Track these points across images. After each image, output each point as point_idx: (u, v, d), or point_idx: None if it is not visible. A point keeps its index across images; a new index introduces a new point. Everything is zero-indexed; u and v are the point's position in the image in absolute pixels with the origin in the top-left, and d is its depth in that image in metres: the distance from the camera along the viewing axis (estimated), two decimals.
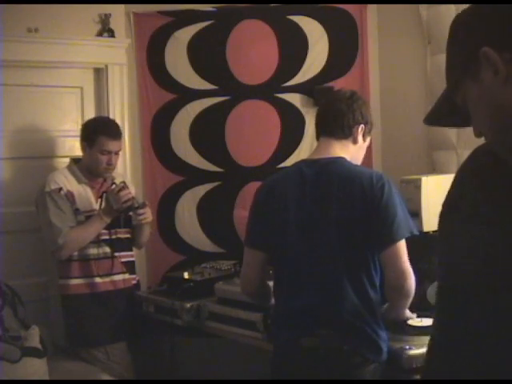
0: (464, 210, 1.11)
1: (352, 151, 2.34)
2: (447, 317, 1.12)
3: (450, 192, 1.19)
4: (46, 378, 2.84)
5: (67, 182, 3.13)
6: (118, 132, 3.22)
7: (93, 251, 3.13)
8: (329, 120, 2.34)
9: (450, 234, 1.14)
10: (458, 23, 1.11)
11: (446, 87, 1.15)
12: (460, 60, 1.10)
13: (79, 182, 3.17)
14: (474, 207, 1.09)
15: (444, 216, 1.17)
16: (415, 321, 2.37)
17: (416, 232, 2.20)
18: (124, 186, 3.10)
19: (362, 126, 2.33)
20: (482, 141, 1.12)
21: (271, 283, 2.40)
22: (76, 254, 3.10)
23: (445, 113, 1.15)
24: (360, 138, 2.34)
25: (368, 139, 2.40)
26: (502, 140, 1.06)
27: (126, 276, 3.24)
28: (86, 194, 3.16)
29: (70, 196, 3.10)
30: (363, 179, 2.19)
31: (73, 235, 3.05)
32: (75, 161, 3.26)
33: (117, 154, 3.20)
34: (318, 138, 2.39)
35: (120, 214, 3.15)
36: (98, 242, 3.13)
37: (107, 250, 3.17)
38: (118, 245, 3.20)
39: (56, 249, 3.04)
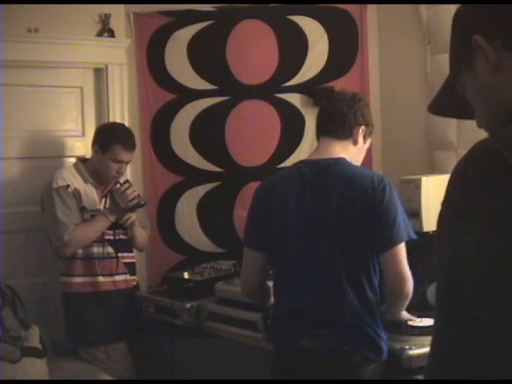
0: (465, 211, 1.10)
1: (352, 152, 2.33)
2: (451, 319, 1.12)
3: (448, 191, 1.18)
4: (46, 377, 2.84)
5: (74, 179, 3.15)
6: (134, 143, 3.23)
7: (97, 250, 3.14)
8: (330, 120, 2.34)
9: (451, 236, 1.13)
10: (457, 13, 1.13)
11: (449, 75, 1.15)
12: (458, 48, 1.11)
13: (85, 181, 3.18)
14: (474, 208, 1.08)
15: (443, 216, 1.17)
16: (415, 321, 2.38)
17: (414, 236, 2.20)
18: (129, 185, 3.12)
19: (362, 127, 2.33)
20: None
21: (271, 283, 2.40)
22: (80, 252, 3.11)
23: (446, 101, 1.16)
24: (360, 139, 2.34)
25: (368, 141, 2.40)
26: (498, 134, 1.06)
27: (128, 277, 3.25)
28: (91, 193, 3.18)
29: (76, 193, 3.11)
30: (364, 181, 2.18)
31: (78, 232, 3.06)
32: (81, 160, 3.27)
33: (127, 163, 3.21)
34: (318, 137, 2.39)
35: (125, 214, 3.15)
36: (101, 241, 3.14)
37: (110, 250, 3.17)
38: (121, 245, 3.21)
39: (61, 245, 3.04)
